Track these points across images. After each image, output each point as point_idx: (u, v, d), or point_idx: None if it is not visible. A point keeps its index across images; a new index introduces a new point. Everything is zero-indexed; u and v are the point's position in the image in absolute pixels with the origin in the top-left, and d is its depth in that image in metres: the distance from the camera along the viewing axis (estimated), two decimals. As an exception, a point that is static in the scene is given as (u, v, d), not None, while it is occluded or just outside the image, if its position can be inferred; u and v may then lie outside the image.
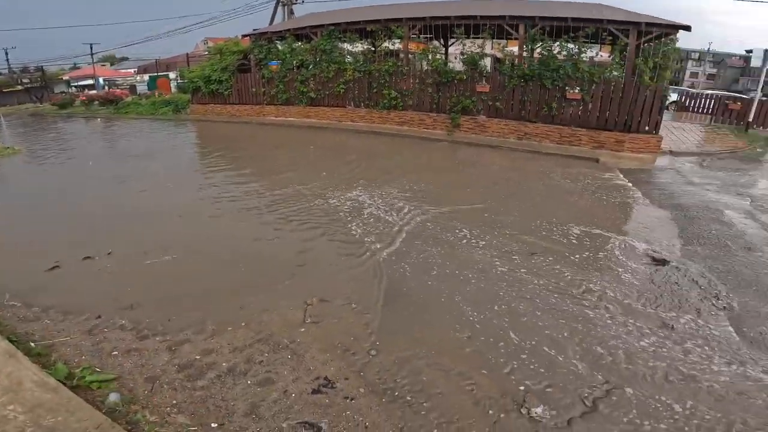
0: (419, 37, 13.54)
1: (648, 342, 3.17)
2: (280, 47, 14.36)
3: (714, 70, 78.51)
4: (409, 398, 2.57)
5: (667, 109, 19.59)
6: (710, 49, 70.85)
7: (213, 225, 5.55)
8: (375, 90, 12.79)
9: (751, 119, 13.15)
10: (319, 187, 6.98)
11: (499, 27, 11.19)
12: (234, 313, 3.44)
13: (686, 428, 2.40)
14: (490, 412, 2.48)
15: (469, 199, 6.51)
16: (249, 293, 3.75)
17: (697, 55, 71.11)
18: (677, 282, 4.12)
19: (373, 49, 13.23)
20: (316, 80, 13.61)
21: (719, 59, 77.03)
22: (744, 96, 14.96)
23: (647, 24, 9.83)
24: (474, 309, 3.55)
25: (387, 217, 5.65)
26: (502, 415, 2.46)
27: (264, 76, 14.50)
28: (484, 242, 4.89)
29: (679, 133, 12.48)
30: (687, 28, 9.97)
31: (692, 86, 50.91)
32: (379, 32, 12.62)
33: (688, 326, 3.40)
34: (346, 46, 13.51)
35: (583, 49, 10.31)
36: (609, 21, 9.98)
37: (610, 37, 10.30)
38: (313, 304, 3.60)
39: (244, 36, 16.14)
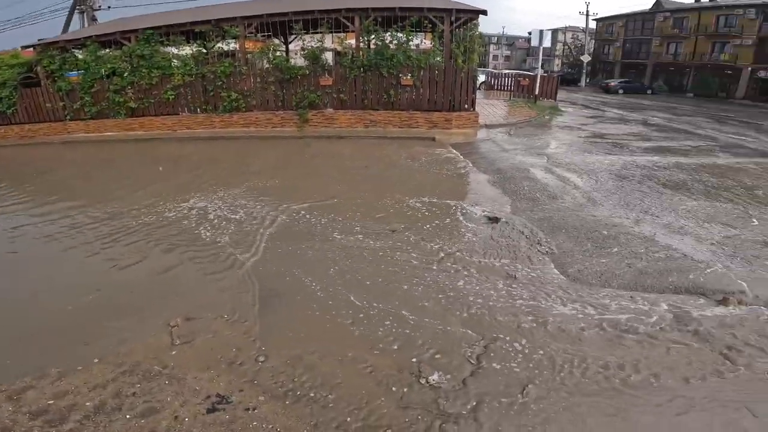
0: (256, 35, 13.00)
1: (501, 293, 3.76)
2: (80, 56, 12.14)
3: (509, 52, 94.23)
4: (312, 394, 2.62)
5: (479, 88, 23.11)
6: (504, 33, 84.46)
7: (24, 269, 4.55)
8: (212, 93, 11.91)
9: (537, 92, 16.49)
10: (161, 204, 6.21)
11: (336, 20, 11.54)
12: (80, 352, 3.02)
13: (551, 367, 2.86)
14: (394, 388, 2.66)
15: (325, 190, 6.70)
16: (94, 330, 3.31)
17: (496, 39, 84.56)
18: (509, 235, 4.99)
19: (204, 51, 12.22)
20: (135, 88, 11.95)
21: (511, 42, 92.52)
22: (530, 73, 18.60)
23: (457, 11, 11.35)
24: (350, 293, 3.77)
25: (245, 221, 5.48)
26: (405, 389, 2.65)
27: (61, 89, 12.10)
28: (346, 229, 5.15)
29: (490, 108, 14.92)
30: (484, 13, 11.80)
31: (495, 67, 60.71)
32: (210, 33, 11.73)
33: (526, 273, 4.11)
34: (172, 49, 12.18)
35: (410, 38, 11.43)
36: (429, 9, 11.26)
37: (431, 25, 11.50)
38: (178, 325, 3.34)
39: (25, 47, 13.23)
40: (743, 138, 11.79)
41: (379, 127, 11.45)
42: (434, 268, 4.23)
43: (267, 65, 11.95)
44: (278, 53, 12.27)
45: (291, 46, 15.49)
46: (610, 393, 2.68)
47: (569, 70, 47.78)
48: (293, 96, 11.72)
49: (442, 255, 4.50)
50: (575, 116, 15.38)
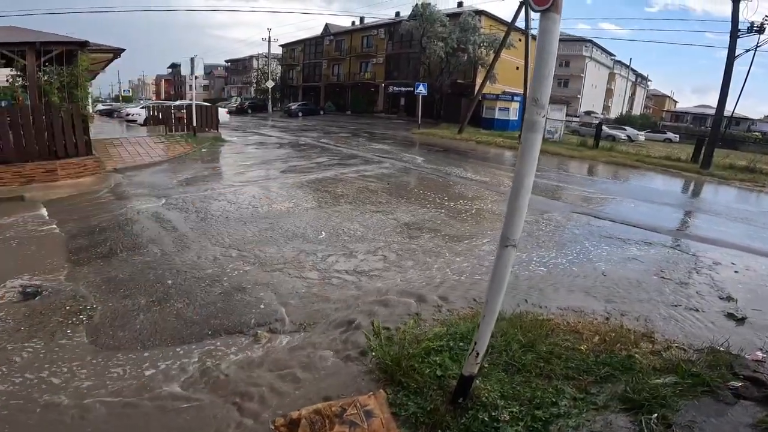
0: None
1: None
2: None
3: (207, 81, 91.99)
4: None
5: (145, 125, 20.66)
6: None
7: None
8: None
9: (195, 124, 15.83)
10: None
11: None
12: None
13: None
14: None
15: None
16: None
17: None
18: (43, 312, 3.89)
19: None
20: None
21: (209, 71, 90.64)
22: (181, 103, 17.76)
23: (45, 43, 9.41)
24: None
25: None
26: None
27: None
28: None
29: (135, 148, 13.19)
30: (85, 44, 10.27)
31: (192, 99, 57.56)
32: None
33: (32, 355, 3.25)
34: None
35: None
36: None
37: (3, 60, 9.09)
38: None
39: None
40: (360, 149, 14.71)
41: None
42: None
43: None
44: None
45: None
46: None
47: (260, 96, 50.26)
48: None
49: None
50: (237, 145, 15.61)
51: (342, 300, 4.41)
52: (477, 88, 27.28)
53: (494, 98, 29.30)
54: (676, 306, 4.62)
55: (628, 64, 66.76)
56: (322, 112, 36.47)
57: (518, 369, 3.22)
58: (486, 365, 3.16)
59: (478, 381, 2.90)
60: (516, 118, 28.19)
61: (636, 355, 3.45)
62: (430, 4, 31.93)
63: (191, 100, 16.21)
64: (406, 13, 35.69)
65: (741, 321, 4.33)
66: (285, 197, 8.13)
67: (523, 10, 19.82)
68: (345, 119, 30.27)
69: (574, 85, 54.07)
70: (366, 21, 45.11)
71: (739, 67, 15.12)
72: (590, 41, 52.66)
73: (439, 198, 8.66)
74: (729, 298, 4.84)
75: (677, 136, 37.53)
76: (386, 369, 3.21)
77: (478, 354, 2.69)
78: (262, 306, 4.21)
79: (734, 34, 14.43)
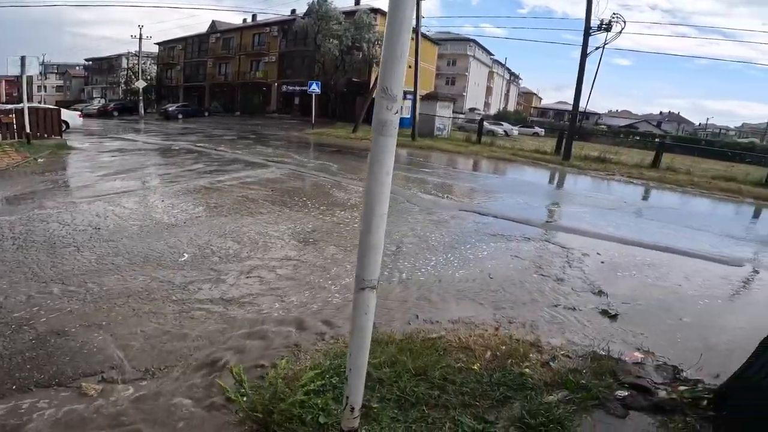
0: None
1: None
2: None
3: (60, 82, 79.04)
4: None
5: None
6: (45, 60, 69.56)
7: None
8: None
9: (29, 130, 12.94)
10: None
11: None
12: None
13: None
14: None
15: None
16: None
17: (41, 67, 68.34)
18: None
19: None
20: None
21: (63, 70, 77.81)
22: (18, 106, 14.50)
23: None
24: None
25: None
26: None
27: None
28: None
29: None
30: None
31: (42, 101, 48.28)
32: None
33: None
34: None
35: None
36: None
37: None
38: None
39: None
40: (245, 153, 13.50)
41: None
42: None
43: None
44: None
45: None
46: None
47: (131, 97, 44.29)
48: None
49: None
50: (88, 153, 13.10)
51: (204, 336, 3.58)
52: (371, 86, 27.33)
53: (387, 98, 29.70)
54: (555, 306, 4.45)
55: (504, 63, 73.79)
56: (207, 114, 33.21)
57: (412, 403, 2.82)
58: (376, 405, 2.71)
59: (365, 428, 2.43)
60: (408, 116, 28.99)
61: (527, 369, 3.18)
62: (326, 1, 31.17)
63: (38, 102, 13.16)
64: (301, 10, 34.44)
65: (614, 318, 4.29)
66: (139, 214, 6.78)
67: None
68: (233, 121, 27.96)
69: (459, 83, 57.67)
70: (258, 18, 42.57)
71: (589, 65, 17.32)
72: (473, 41, 55.75)
73: (328, 204, 8.09)
74: (600, 293, 4.84)
75: (543, 130, 42.50)
76: (258, 419, 2.59)
77: (353, 408, 2.19)
78: (92, 351, 3.22)
79: (587, 31, 16.24)
